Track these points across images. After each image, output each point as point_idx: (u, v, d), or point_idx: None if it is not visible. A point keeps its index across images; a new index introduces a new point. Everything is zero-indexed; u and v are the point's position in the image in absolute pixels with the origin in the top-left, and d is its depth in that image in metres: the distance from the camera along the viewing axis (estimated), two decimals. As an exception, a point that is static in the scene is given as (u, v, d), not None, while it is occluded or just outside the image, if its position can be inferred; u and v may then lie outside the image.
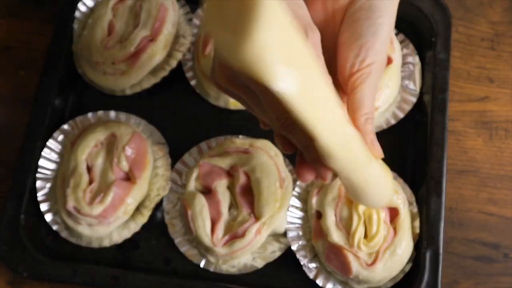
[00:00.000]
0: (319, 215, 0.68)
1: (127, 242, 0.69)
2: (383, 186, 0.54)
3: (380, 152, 0.51)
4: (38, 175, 0.69)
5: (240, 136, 0.72)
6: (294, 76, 0.38)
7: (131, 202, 0.67)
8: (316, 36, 0.48)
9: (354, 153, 0.47)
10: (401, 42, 0.77)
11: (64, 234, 0.69)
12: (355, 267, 0.65)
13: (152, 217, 0.70)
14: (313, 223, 0.68)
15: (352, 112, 0.49)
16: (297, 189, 0.70)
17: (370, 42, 0.49)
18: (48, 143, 0.70)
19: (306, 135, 0.43)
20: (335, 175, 0.49)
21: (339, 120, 0.44)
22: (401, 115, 0.74)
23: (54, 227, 0.69)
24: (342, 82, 0.50)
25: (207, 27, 0.38)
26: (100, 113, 0.73)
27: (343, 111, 0.46)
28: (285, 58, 0.37)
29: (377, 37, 0.50)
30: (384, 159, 0.72)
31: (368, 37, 0.49)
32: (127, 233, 0.69)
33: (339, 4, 0.51)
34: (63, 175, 0.69)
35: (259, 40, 0.35)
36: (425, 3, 0.76)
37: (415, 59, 0.76)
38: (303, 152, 0.48)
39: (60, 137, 0.71)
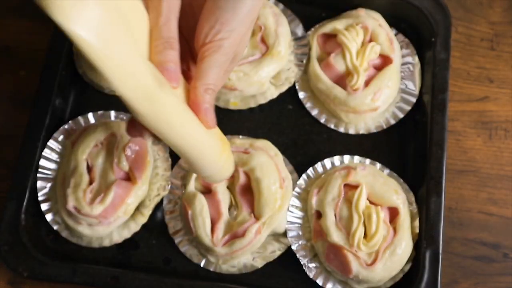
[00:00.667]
0: (319, 215, 0.68)
1: (127, 242, 0.69)
2: (210, 158, 0.55)
3: (211, 123, 0.52)
4: (38, 175, 0.70)
5: (240, 136, 0.72)
6: (88, 19, 0.40)
7: (131, 202, 0.67)
8: (174, 0, 0.49)
9: (162, 113, 0.48)
10: (401, 42, 0.77)
11: (64, 234, 0.69)
12: (355, 267, 0.65)
13: (152, 217, 0.70)
14: (313, 223, 0.68)
15: (195, 80, 0.50)
16: (297, 189, 0.70)
17: (227, 17, 0.50)
18: (48, 143, 0.70)
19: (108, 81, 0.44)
20: (156, 136, 0.50)
21: (140, 76, 0.46)
22: (400, 115, 0.74)
23: (55, 227, 0.69)
24: (196, 51, 0.52)
25: None
26: (101, 113, 0.73)
27: (149, 70, 0.47)
28: (81, 3, 0.39)
29: (236, 14, 0.50)
30: (384, 159, 0.73)
31: (226, 12, 0.50)
32: (127, 233, 0.69)
33: None
34: (63, 175, 0.69)
35: None
36: (425, 3, 0.76)
37: (414, 59, 0.76)
38: None
39: (61, 137, 0.71)
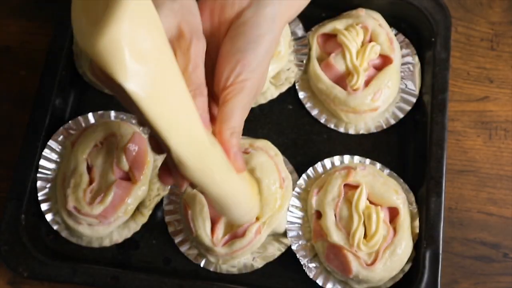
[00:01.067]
0: (319, 215, 0.68)
1: (127, 242, 0.70)
2: (243, 202, 0.55)
3: (242, 167, 0.51)
4: (38, 175, 0.70)
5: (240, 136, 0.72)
6: (147, 77, 0.39)
7: (131, 202, 0.67)
8: (201, 44, 0.49)
9: (209, 167, 0.47)
10: (401, 42, 0.77)
11: (64, 234, 0.69)
12: (355, 267, 0.65)
13: (152, 217, 0.70)
14: (313, 223, 0.68)
15: (220, 124, 0.50)
16: (297, 189, 0.70)
17: (248, 59, 0.50)
18: (48, 143, 0.70)
19: (162, 139, 0.43)
20: (193, 185, 0.50)
21: (194, 131, 0.45)
22: (400, 115, 0.74)
23: (55, 227, 0.69)
24: (217, 94, 0.51)
25: (72, 12, 0.40)
26: (100, 113, 0.73)
27: (201, 124, 0.46)
28: (140, 59, 0.38)
29: (256, 55, 0.50)
30: (384, 159, 0.73)
31: (246, 53, 0.50)
32: (127, 233, 0.69)
33: (226, 17, 0.52)
34: (63, 175, 0.69)
35: (113, 34, 0.36)
36: (425, 3, 0.76)
37: (414, 59, 0.76)
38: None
39: (61, 137, 0.71)
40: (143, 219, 0.69)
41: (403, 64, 0.76)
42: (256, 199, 0.59)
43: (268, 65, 0.53)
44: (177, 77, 0.43)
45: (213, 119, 0.51)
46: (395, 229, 0.66)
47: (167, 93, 0.42)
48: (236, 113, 0.50)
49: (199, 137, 0.45)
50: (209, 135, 0.47)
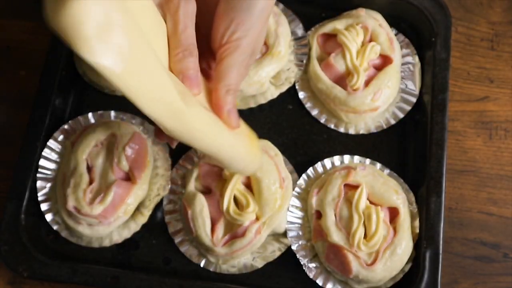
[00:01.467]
0: (319, 215, 0.68)
1: (127, 242, 0.70)
2: (239, 156, 0.55)
3: (235, 124, 0.52)
4: (38, 175, 0.70)
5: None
6: (112, 49, 0.39)
7: (131, 202, 0.67)
8: (190, 6, 0.50)
9: (189, 127, 0.48)
10: (401, 42, 0.77)
11: (64, 234, 0.69)
12: (355, 267, 0.65)
13: (152, 217, 0.70)
14: (313, 223, 0.68)
15: (216, 81, 0.51)
16: (297, 189, 0.70)
17: (242, 17, 0.51)
18: (48, 143, 0.70)
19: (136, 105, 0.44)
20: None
21: (166, 96, 0.45)
22: (401, 115, 0.74)
23: (55, 227, 0.69)
24: (214, 52, 0.52)
25: None
26: (100, 113, 0.73)
27: (174, 88, 0.46)
28: (104, 31, 0.38)
29: (250, 14, 0.51)
30: (384, 159, 0.73)
31: (240, 12, 0.51)
32: (127, 233, 0.69)
33: None
34: (63, 175, 0.69)
35: (74, 9, 0.37)
36: (425, 3, 0.76)
37: (415, 59, 0.76)
38: None
39: (61, 137, 0.71)
40: (143, 219, 0.69)
41: (403, 64, 0.76)
42: (256, 151, 0.59)
43: (265, 27, 0.54)
44: (147, 45, 0.43)
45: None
46: (395, 229, 0.66)
47: (135, 62, 0.42)
48: (232, 71, 0.51)
49: (172, 101, 0.46)
50: (186, 96, 0.48)
